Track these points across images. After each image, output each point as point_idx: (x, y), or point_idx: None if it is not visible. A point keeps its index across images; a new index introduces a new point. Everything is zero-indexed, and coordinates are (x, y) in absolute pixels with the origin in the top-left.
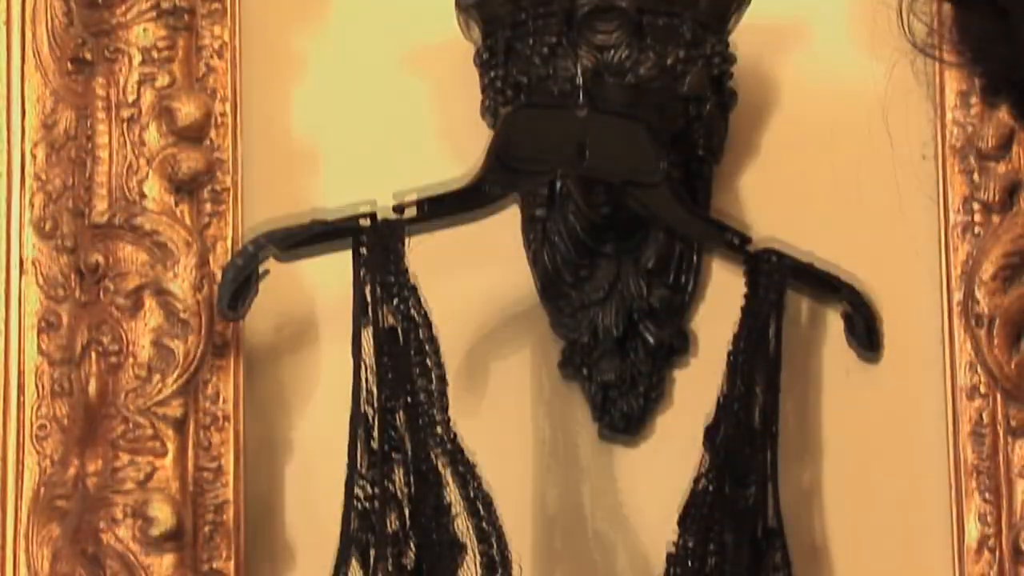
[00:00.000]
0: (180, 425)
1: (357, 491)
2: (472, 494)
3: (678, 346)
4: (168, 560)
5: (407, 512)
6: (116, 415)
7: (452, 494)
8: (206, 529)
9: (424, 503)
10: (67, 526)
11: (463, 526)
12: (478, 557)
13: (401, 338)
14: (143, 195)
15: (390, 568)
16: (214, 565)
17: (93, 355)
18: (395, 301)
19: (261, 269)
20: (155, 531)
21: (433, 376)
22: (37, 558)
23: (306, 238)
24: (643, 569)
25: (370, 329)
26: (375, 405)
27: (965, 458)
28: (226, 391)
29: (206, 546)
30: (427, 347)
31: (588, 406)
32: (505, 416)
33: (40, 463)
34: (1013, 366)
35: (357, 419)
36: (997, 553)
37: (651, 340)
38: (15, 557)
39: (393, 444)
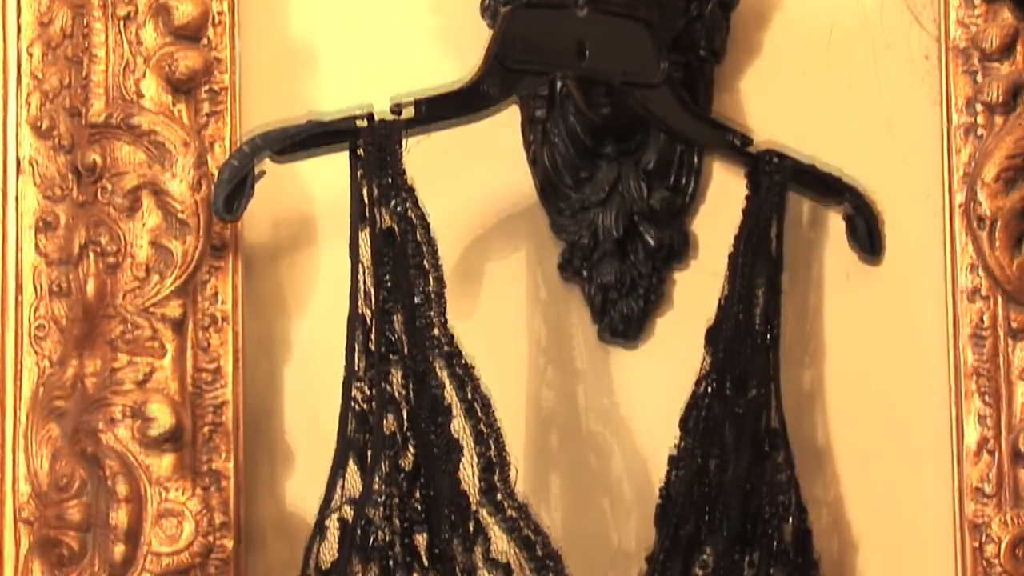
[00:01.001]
0: (179, 326)
1: (355, 393)
2: (470, 395)
3: (678, 248)
4: (167, 460)
5: (405, 414)
6: (115, 316)
7: (450, 395)
8: (205, 430)
9: (422, 405)
10: (66, 426)
11: (460, 427)
12: (475, 458)
13: (399, 240)
14: (140, 95)
15: (387, 469)
16: (213, 466)
17: (91, 255)
18: (392, 203)
19: (257, 170)
20: (154, 431)
21: (431, 278)
22: (36, 458)
23: (302, 139)
24: (641, 471)
25: (368, 231)
26: (373, 307)
27: (965, 360)
28: (224, 292)
29: (205, 447)
30: (424, 249)
31: (587, 308)
32: (504, 318)
33: (39, 363)
34: (1014, 268)
35: (355, 321)
36: (996, 455)
37: (651, 242)
38: (14, 457)
39: (391, 346)
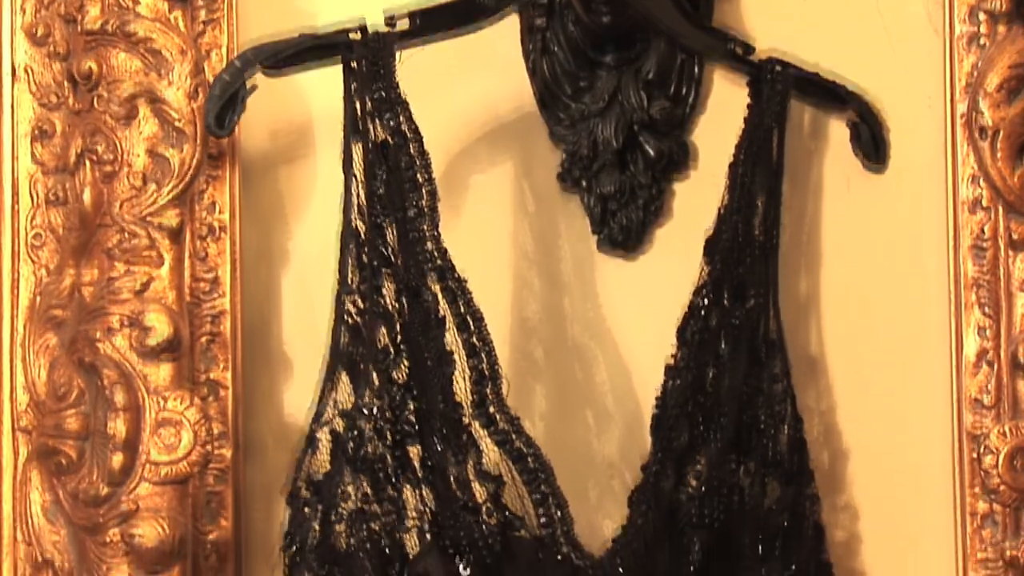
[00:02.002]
0: (176, 235)
1: (347, 306)
2: (462, 309)
3: (678, 158)
4: (165, 370)
5: (397, 327)
6: (111, 224)
7: (443, 309)
8: (203, 340)
9: (414, 318)
10: (63, 336)
11: (453, 341)
12: (468, 371)
13: (392, 153)
14: (136, 1)
15: (380, 382)
16: (211, 375)
17: (87, 164)
18: (386, 116)
19: (248, 85)
20: (151, 341)
21: (424, 192)
22: (34, 367)
23: (295, 53)
24: (644, 380)
25: (361, 144)
26: (366, 220)
27: (965, 271)
28: (222, 201)
29: (203, 356)
30: (418, 162)
31: (587, 219)
32: (502, 228)
33: (36, 272)
34: (1016, 179)
35: (348, 234)
36: (995, 366)
37: (651, 152)
38: (12, 367)
39: (384, 259)
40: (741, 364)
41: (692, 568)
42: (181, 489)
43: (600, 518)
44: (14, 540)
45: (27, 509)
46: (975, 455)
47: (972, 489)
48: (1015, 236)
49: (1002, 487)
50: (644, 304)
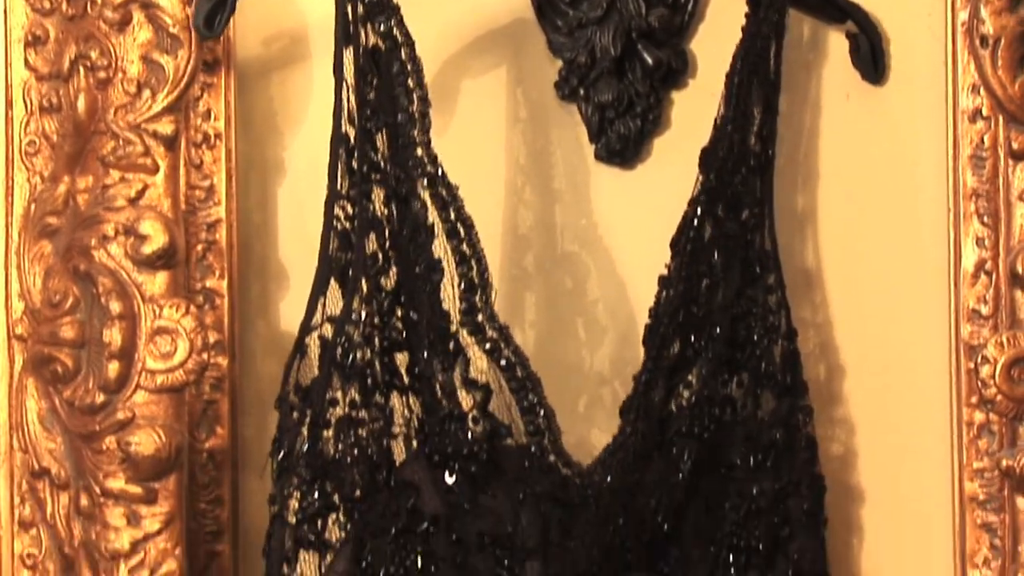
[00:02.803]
0: (171, 143)
1: (337, 212)
2: (452, 217)
3: (677, 67)
4: (160, 279)
5: (387, 234)
6: (106, 131)
7: (432, 216)
8: (198, 248)
9: (404, 225)
10: (58, 244)
11: (442, 248)
12: (457, 279)
13: (383, 58)
14: None
15: (369, 289)
16: (207, 284)
17: (81, 70)
18: (377, 21)
19: None
20: (147, 249)
21: (414, 97)
22: (29, 275)
23: None
24: (637, 292)
25: (352, 49)
26: (356, 126)
27: (965, 182)
28: (217, 109)
29: (199, 265)
30: (409, 68)
31: (583, 129)
32: (496, 138)
33: (30, 180)
34: (1016, 88)
35: (338, 140)
36: (993, 277)
37: (649, 61)
38: (7, 275)
39: (373, 166)
40: (735, 276)
41: (681, 479)
42: (177, 398)
43: (590, 429)
44: (10, 448)
45: (23, 417)
46: (972, 366)
47: (969, 400)
48: (1015, 146)
49: (999, 397)
50: (640, 215)
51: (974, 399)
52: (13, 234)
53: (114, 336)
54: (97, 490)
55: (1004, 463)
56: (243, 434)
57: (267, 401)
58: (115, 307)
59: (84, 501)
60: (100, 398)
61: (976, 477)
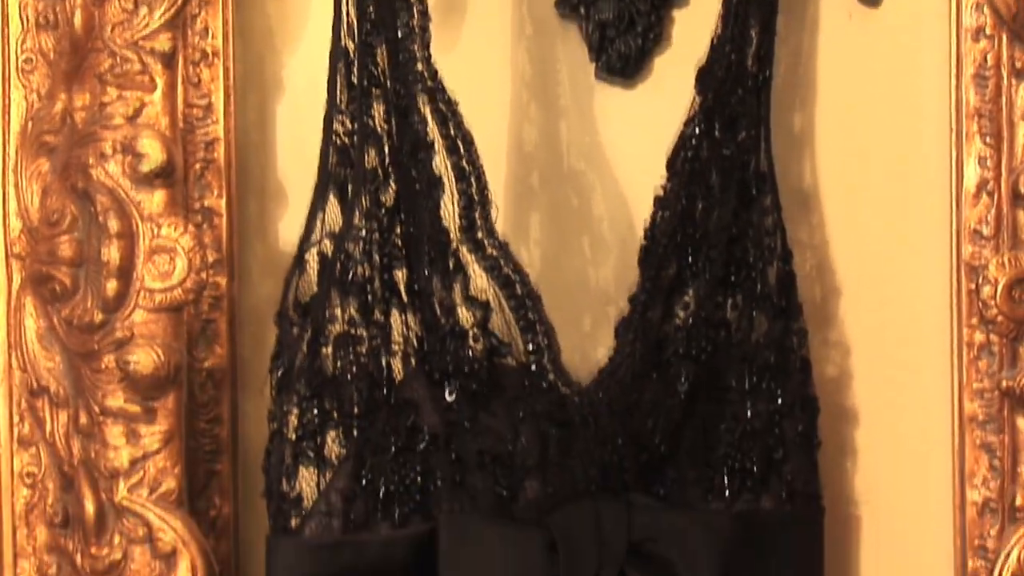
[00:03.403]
0: (168, 60)
1: (336, 126)
2: (452, 132)
3: None
4: (159, 196)
5: (386, 149)
6: (103, 49)
7: (432, 132)
8: (197, 167)
9: (403, 140)
10: (56, 162)
11: (442, 164)
12: (456, 195)
13: None
14: None
15: (368, 204)
16: (205, 203)
17: None
18: None
19: None
20: (145, 167)
21: (415, 11)
22: (26, 193)
23: None
24: (625, 212)
25: None
26: (356, 40)
27: (967, 101)
28: (215, 26)
29: (197, 183)
30: None
31: (584, 46)
32: (498, 54)
33: (27, 97)
34: (1021, 6)
35: (337, 54)
36: (995, 197)
37: None
38: (4, 193)
39: (373, 79)
40: (731, 197)
41: (678, 400)
42: (175, 317)
43: (594, 347)
44: (9, 367)
45: (22, 336)
46: (973, 286)
47: (969, 321)
48: (1018, 64)
49: (1000, 318)
50: (642, 132)
51: (974, 320)
52: (10, 152)
53: (112, 255)
54: (96, 408)
55: (1004, 383)
56: (242, 353)
57: (266, 320)
58: (113, 225)
59: (83, 419)
60: (98, 317)
61: (976, 398)
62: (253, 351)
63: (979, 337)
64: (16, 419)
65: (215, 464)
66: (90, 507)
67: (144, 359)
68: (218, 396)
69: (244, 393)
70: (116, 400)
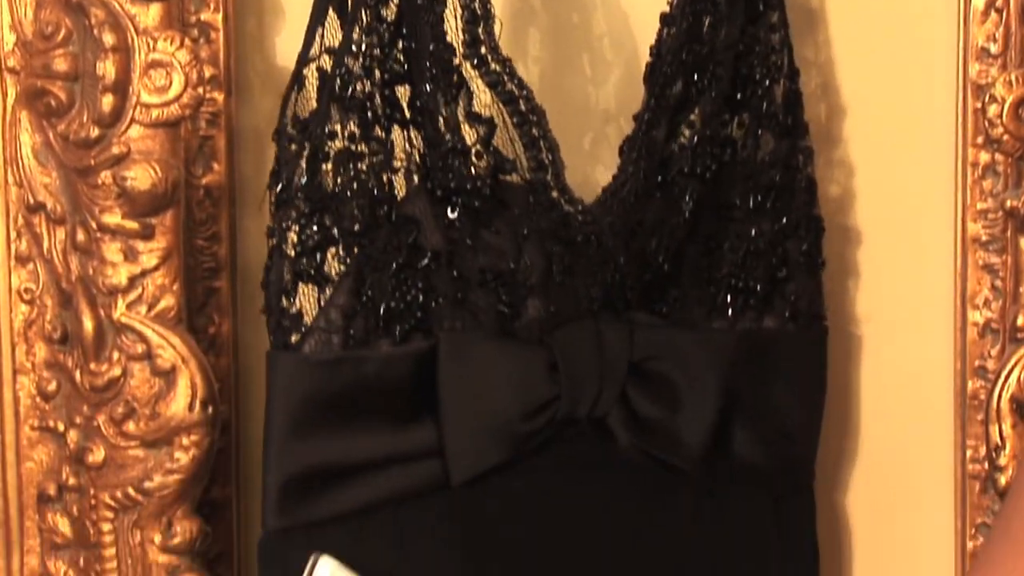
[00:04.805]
0: None
1: None
2: None
3: None
4: (155, 10)
5: None
6: None
7: None
8: None
9: None
10: None
11: None
12: (459, 10)
13: None
14: None
15: (368, 19)
16: (202, 17)
17: None
18: None
19: None
20: None
21: None
22: (20, 6)
23: None
24: (644, 28)
25: None
26: None
27: None
28: None
29: None
30: None
31: None
32: None
33: None
34: None
35: None
36: (1004, 14)
37: None
38: None
39: None
40: (739, 13)
41: (682, 218)
42: (172, 132)
43: (595, 167)
44: (5, 183)
45: (17, 151)
46: (979, 105)
47: (975, 140)
48: None
49: (1005, 137)
50: None
51: (980, 139)
52: None
53: (108, 69)
54: (93, 225)
55: (1008, 203)
56: (240, 170)
57: (264, 137)
58: (108, 39)
59: (81, 236)
60: (95, 132)
61: (979, 218)
62: (252, 169)
63: (984, 157)
64: (13, 235)
65: (214, 282)
66: (89, 324)
67: (141, 175)
68: (216, 214)
69: (243, 211)
70: (113, 217)
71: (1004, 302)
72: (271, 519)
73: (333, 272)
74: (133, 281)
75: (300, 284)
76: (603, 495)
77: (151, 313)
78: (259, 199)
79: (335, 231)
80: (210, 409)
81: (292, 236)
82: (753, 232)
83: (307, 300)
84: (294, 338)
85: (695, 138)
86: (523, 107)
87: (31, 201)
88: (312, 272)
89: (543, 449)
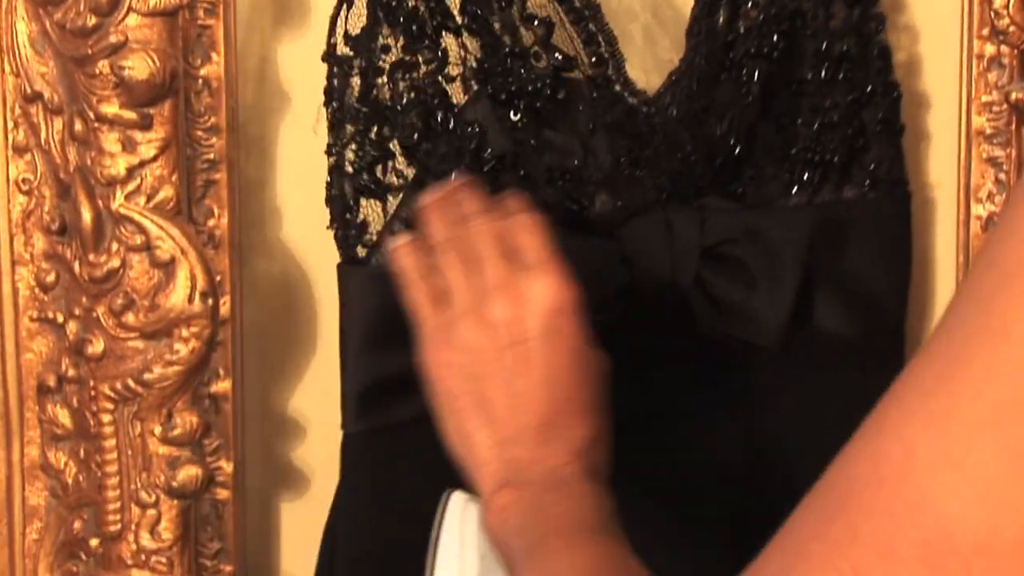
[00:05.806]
0: None
1: None
2: None
3: None
4: None
5: None
6: None
7: None
8: None
9: None
10: None
11: None
12: None
13: None
14: None
15: None
16: None
17: None
18: None
19: None
20: None
21: None
22: None
23: None
24: None
25: None
26: None
27: None
28: None
29: None
30: None
31: None
32: None
33: None
34: None
35: None
36: None
37: None
38: None
39: None
40: None
41: (750, 99)
42: (170, 22)
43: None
44: (2, 72)
45: (13, 40)
46: None
47: (980, 32)
48: None
49: (1011, 28)
50: None
51: (985, 31)
52: None
53: None
54: (91, 115)
55: (1013, 96)
56: (243, 63)
57: (267, 27)
58: None
59: (78, 126)
60: (91, 21)
61: (984, 111)
62: (256, 61)
63: (989, 49)
64: (10, 125)
65: (213, 174)
66: (87, 215)
67: (139, 65)
68: (215, 105)
69: (242, 102)
70: (111, 107)
71: (1007, 195)
72: (351, 423)
73: (394, 184)
74: (131, 172)
75: (362, 199)
76: (685, 378)
77: (150, 204)
78: (258, 87)
79: (394, 143)
80: (210, 301)
81: (350, 153)
82: (827, 104)
83: (372, 212)
84: (361, 251)
85: (760, 16)
86: (577, 3)
87: (28, 91)
88: (374, 187)
89: (619, 340)
